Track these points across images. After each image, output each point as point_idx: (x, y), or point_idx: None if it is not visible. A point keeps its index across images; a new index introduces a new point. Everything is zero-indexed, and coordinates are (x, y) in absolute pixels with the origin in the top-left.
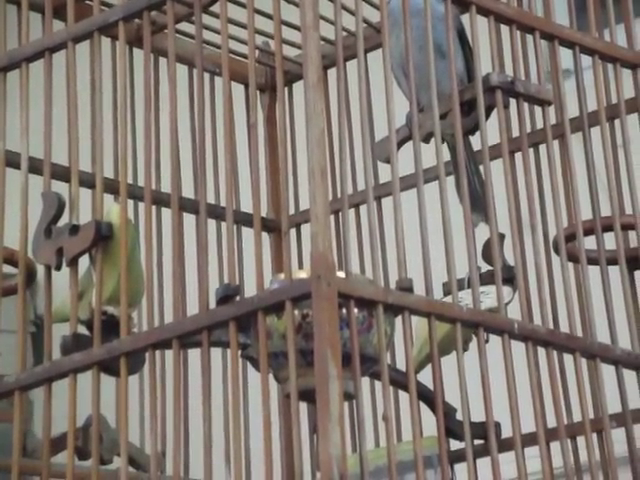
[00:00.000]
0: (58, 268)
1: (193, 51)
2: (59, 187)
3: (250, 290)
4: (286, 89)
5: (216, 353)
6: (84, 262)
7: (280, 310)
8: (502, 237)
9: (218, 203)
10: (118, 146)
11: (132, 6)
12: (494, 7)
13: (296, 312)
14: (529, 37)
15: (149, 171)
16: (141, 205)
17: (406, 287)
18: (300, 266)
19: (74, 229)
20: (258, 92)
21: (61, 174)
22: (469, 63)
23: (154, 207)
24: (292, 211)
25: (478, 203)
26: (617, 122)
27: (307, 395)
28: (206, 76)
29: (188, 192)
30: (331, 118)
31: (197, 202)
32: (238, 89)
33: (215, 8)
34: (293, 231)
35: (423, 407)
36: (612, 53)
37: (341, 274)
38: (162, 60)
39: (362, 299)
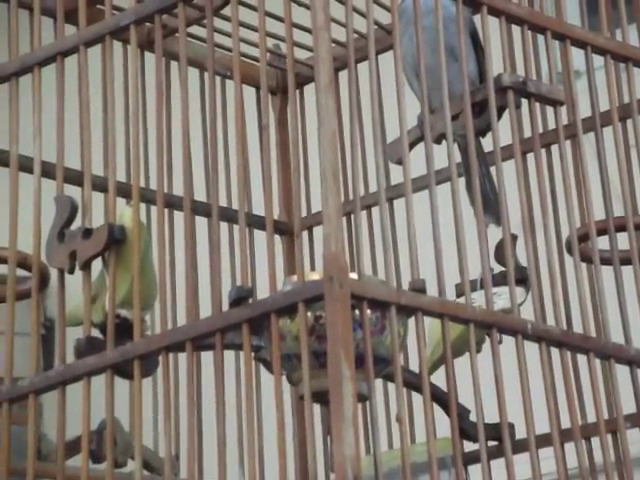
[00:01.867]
0: (71, 272)
1: (204, 54)
2: (72, 191)
3: (263, 292)
4: (297, 91)
5: (230, 355)
6: (97, 265)
7: (293, 312)
8: (515, 238)
9: (230, 206)
10: (130, 150)
11: (143, 9)
12: (505, 7)
13: (309, 314)
14: (541, 37)
15: (161, 174)
16: (154, 208)
17: (419, 288)
18: (312, 268)
19: (87, 233)
20: (269, 95)
21: (74, 178)
22: (481, 65)
23: (166, 210)
24: (304, 213)
25: (489, 205)
26: (630, 122)
27: (320, 397)
28: (217, 79)
29: (200, 195)
30: (342, 120)
31: (210, 205)
32: (249, 92)
33: (226, 11)
34: (305, 233)
35: (437, 408)
36: (624, 53)
37: (354, 275)
38: (173, 63)
39: (375, 300)
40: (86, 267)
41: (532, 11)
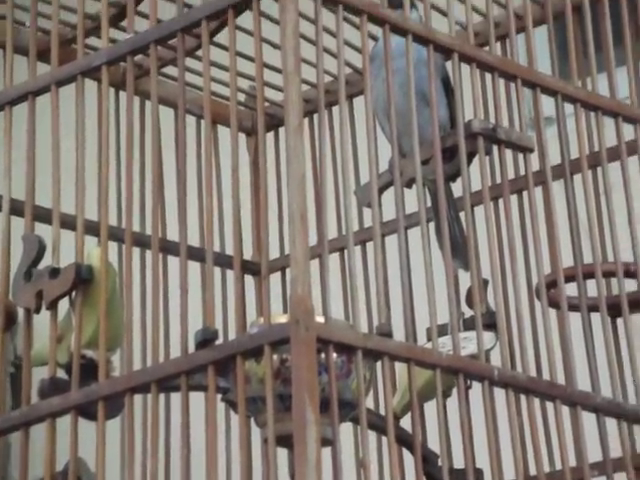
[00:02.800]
0: (37, 311)
1: (177, 94)
2: (42, 229)
3: (234, 333)
4: (272, 133)
5: (200, 396)
6: (64, 305)
7: (259, 355)
8: (486, 283)
9: (202, 245)
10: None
11: (116, 50)
12: (476, 55)
13: (275, 357)
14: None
15: (130, 213)
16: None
17: (386, 332)
18: (285, 309)
19: (54, 272)
20: (244, 135)
21: (44, 216)
22: (453, 110)
23: (138, 249)
24: (277, 254)
25: (458, 249)
26: (599, 170)
27: (286, 440)
28: (193, 119)
29: (173, 234)
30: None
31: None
32: (225, 132)
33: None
34: (278, 274)
35: (407, 453)
36: (594, 102)
37: (320, 319)
38: (148, 103)
39: (341, 344)
40: (53, 307)
41: (503, 59)
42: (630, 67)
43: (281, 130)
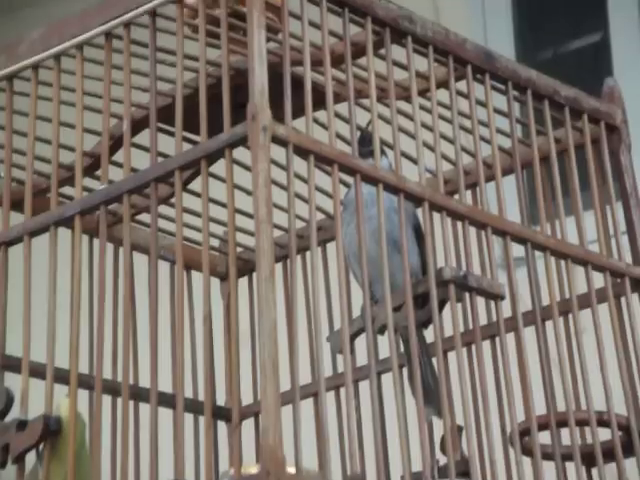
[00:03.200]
0: (3, 466)
1: (150, 241)
2: (12, 378)
3: None
4: (246, 277)
5: None
6: (31, 457)
7: None
8: (460, 429)
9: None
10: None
11: (89, 200)
12: (447, 204)
13: None
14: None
15: (101, 359)
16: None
17: None
18: (258, 456)
19: (22, 425)
20: (219, 281)
21: (13, 366)
22: (424, 257)
23: (109, 397)
24: (250, 400)
25: (431, 396)
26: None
27: None
28: (166, 265)
29: (147, 381)
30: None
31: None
32: (199, 277)
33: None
34: (251, 420)
35: None
36: (564, 250)
37: (292, 469)
38: (122, 249)
39: None
40: (19, 461)
41: (473, 208)
42: (598, 213)
43: (255, 275)
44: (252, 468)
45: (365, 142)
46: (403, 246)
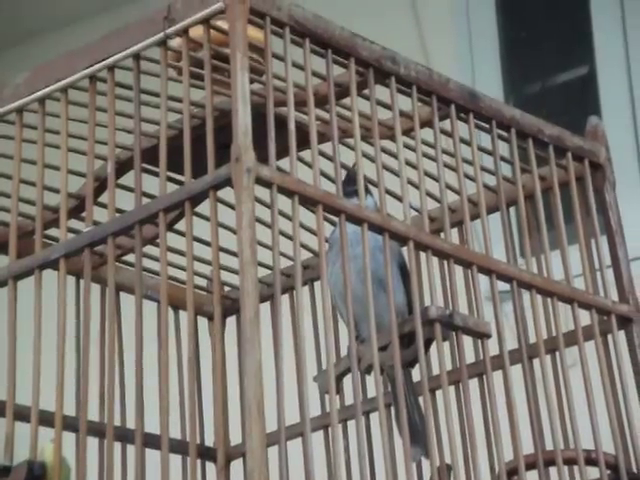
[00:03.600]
0: None
1: (135, 282)
2: None
3: None
4: (234, 317)
5: None
6: None
7: None
8: (449, 468)
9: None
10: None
11: (74, 243)
12: (432, 243)
13: None
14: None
15: (86, 402)
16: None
17: None
18: None
19: (5, 470)
20: (206, 320)
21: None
22: (410, 296)
23: (96, 440)
24: (239, 439)
25: (418, 436)
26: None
27: None
28: (153, 305)
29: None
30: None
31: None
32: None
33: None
34: (239, 461)
35: None
36: (549, 288)
37: None
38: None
39: None
40: None
41: (458, 246)
42: (583, 250)
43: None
44: None
45: (350, 181)
46: (389, 285)
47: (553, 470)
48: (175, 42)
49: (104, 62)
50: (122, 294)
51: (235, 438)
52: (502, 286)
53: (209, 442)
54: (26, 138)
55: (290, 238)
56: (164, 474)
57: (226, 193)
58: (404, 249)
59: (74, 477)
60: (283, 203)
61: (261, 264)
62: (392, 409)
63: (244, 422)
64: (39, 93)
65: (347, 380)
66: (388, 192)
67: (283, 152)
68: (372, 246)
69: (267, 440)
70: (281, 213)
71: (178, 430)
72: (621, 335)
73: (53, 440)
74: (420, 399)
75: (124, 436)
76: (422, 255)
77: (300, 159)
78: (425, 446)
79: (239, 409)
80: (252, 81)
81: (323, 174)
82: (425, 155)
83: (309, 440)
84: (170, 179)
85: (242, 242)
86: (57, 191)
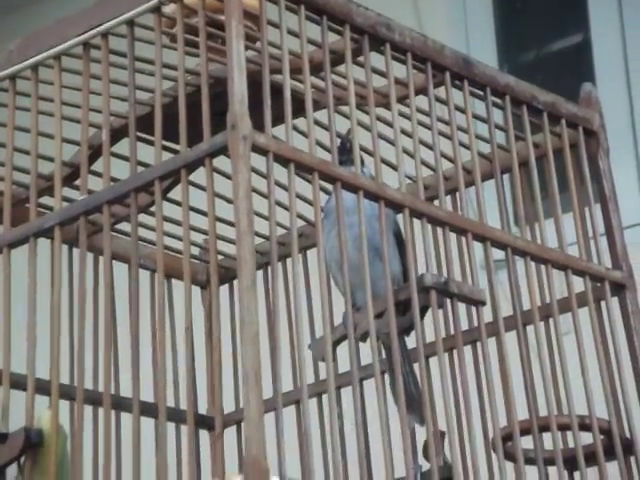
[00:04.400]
0: None
1: (130, 250)
2: None
3: None
4: (227, 285)
5: None
6: (12, 470)
7: None
8: (442, 435)
9: (157, 401)
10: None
11: (69, 211)
12: (427, 210)
13: None
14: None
15: (82, 370)
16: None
17: None
18: (241, 464)
19: (2, 438)
20: (199, 289)
21: None
22: (405, 264)
23: (90, 407)
24: (232, 408)
25: (413, 403)
26: (551, 321)
27: None
28: (146, 273)
29: (127, 392)
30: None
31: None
32: (179, 285)
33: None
34: (233, 429)
35: None
36: (543, 255)
37: (276, 479)
38: (102, 258)
39: None
40: (0, 474)
41: (453, 214)
42: (577, 216)
43: (236, 282)
44: (235, 477)
45: (343, 151)
46: (384, 253)
47: (547, 436)
48: (169, 9)
49: (98, 29)
50: (113, 264)
51: (227, 406)
52: (496, 255)
53: (202, 410)
54: (19, 106)
55: (284, 207)
56: (161, 442)
57: (218, 162)
58: (399, 217)
59: (70, 445)
60: (277, 173)
61: (255, 233)
62: (387, 377)
63: (237, 390)
64: (32, 60)
65: (340, 348)
66: (383, 161)
67: (277, 120)
68: (367, 214)
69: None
70: (276, 183)
71: (171, 399)
72: (614, 301)
73: (49, 408)
74: (415, 366)
75: (119, 404)
76: (417, 223)
77: (294, 127)
78: (420, 414)
79: (228, 379)
80: (247, 48)
81: (318, 143)
82: (419, 123)
83: (307, 407)
84: (163, 147)
85: (239, 211)
86: (50, 159)
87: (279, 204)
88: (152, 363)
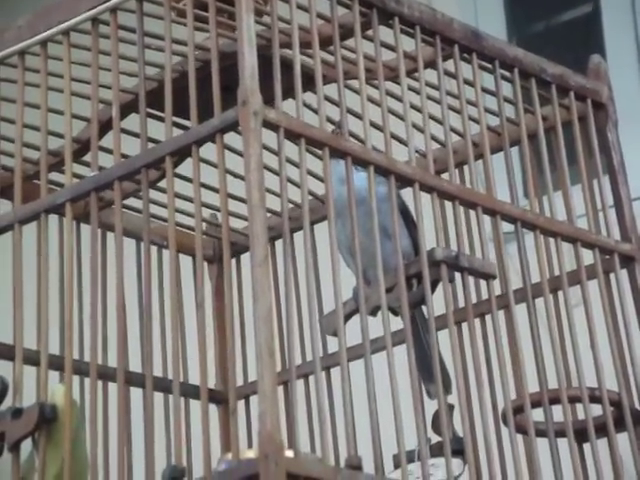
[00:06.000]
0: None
1: (141, 225)
2: (4, 366)
3: (199, 466)
4: (234, 260)
5: None
6: (26, 445)
7: None
8: (452, 408)
9: (166, 376)
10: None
11: (80, 188)
12: (437, 184)
13: None
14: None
15: (95, 346)
16: (88, 380)
17: (355, 465)
18: (249, 438)
19: (17, 413)
20: (206, 264)
21: (6, 353)
22: (414, 238)
23: (101, 382)
24: (241, 382)
25: (432, 375)
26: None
27: None
28: (154, 249)
29: (136, 366)
30: (280, 289)
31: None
32: (187, 260)
33: (163, 183)
34: (241, 403)
35: None
36: (552, 228)
37: (290, 453)
38: (110, 235)
39: (311, 479)
40: (15, 448)
41: (463, 187)
42: (586, 189)
43: (243, 257)
44: (249, 452)
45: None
46: (394, 231)
47: (557, 408)
48: None
49: (106, 4)
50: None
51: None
52: (505, 228)
53: (210, 384)
54: (28, 82)
55: (294, 183)
56: (177, 418)
57: (230, 139)
58: (409, 191)
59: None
60: (287, 150)
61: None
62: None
63: (245, 365)
64: (41, 36)
65: (349, 322)
66: (392, 135)
67: (285, 95)
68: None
69: None
70: (286, 159)
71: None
72: (624, 274)
73: (63, 382)
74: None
75: (129, 379)
76: (425, 197)
77: (303, 103)
78: (445, 384)
79: (239, 351)
80: (256, 23)
81: (327, 118)
82: (428, 97)
83: (320, 381)
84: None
85: (250, 185)
86: (60, 135)
87: (288, 180)
88: (160, 339)
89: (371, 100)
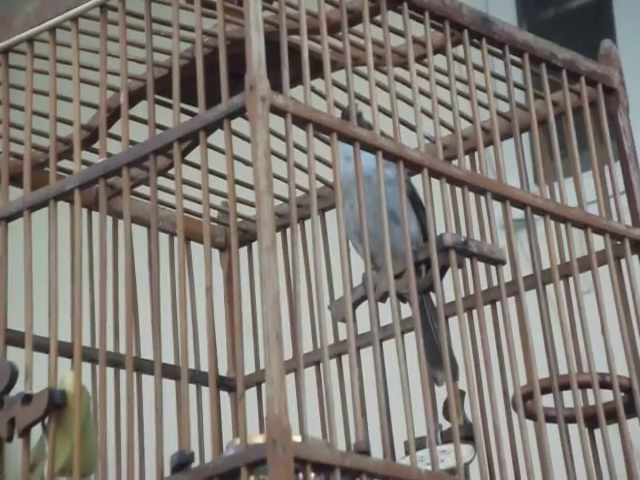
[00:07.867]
0: (10, 439)
1: (150, 213)
2: (15, 353)
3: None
4: (245, 247)
5: None
6: (37, 430)
7: (236, 477)
8: (462, 394)
9: (177, 363)
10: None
11: (88, 174)
12: (446, 170)
13: (252, 478)
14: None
15: (104, 332)
16: (99, 367)
17: (363, 450)
18: (261, 425)
19: (27, 399)
20: (218, 251)
21: (16, 340)
22: (423, 224)
23: (111, 369)
24: (252, 369)
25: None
26: (571, 280)
27: None
28: (165, 237)
29: (148, 354)
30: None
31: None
32: (197, 248)
33: (173, 170)
34: (253, 390)
35: None
36: (563, 214)
37: (297, 438)
38: (121, 222)
39: (319, 463)
40: (25, 434)
41: (472, 173)
42: (596, 175)
43: (254, 245)
44: (257, 437)
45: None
46: (402, 216)
47: (567, 394)
48: None
49: None
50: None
51: (246, 367)
52: (515, 214)
53: (222, 371)
54: (37, 69)
55: (302, 169)
56: (183, 403)
57: (234, 125)
58: (418, 177)
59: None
60: (295, 136)
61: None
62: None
63: (256, 351)
64: (49, 22)
65: (359, 309)
66: (401, 121)
67: (293, 81)
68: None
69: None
70: (294, 145)
71: (191, 361)
72: (635, 259)
73: (73, 368)
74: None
75: (139, 366)
76: (435, 183)
77: (311, 88)
78: (452, 370)
79: (247, 341)
80: (263, 9)
81: (335, 104)
82: (438, 83)
83: (328, 367)
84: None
85: (258, 171)
86: (68, 122)
87: (297, 166)
88: (172, 326)
89: (380, 86)
